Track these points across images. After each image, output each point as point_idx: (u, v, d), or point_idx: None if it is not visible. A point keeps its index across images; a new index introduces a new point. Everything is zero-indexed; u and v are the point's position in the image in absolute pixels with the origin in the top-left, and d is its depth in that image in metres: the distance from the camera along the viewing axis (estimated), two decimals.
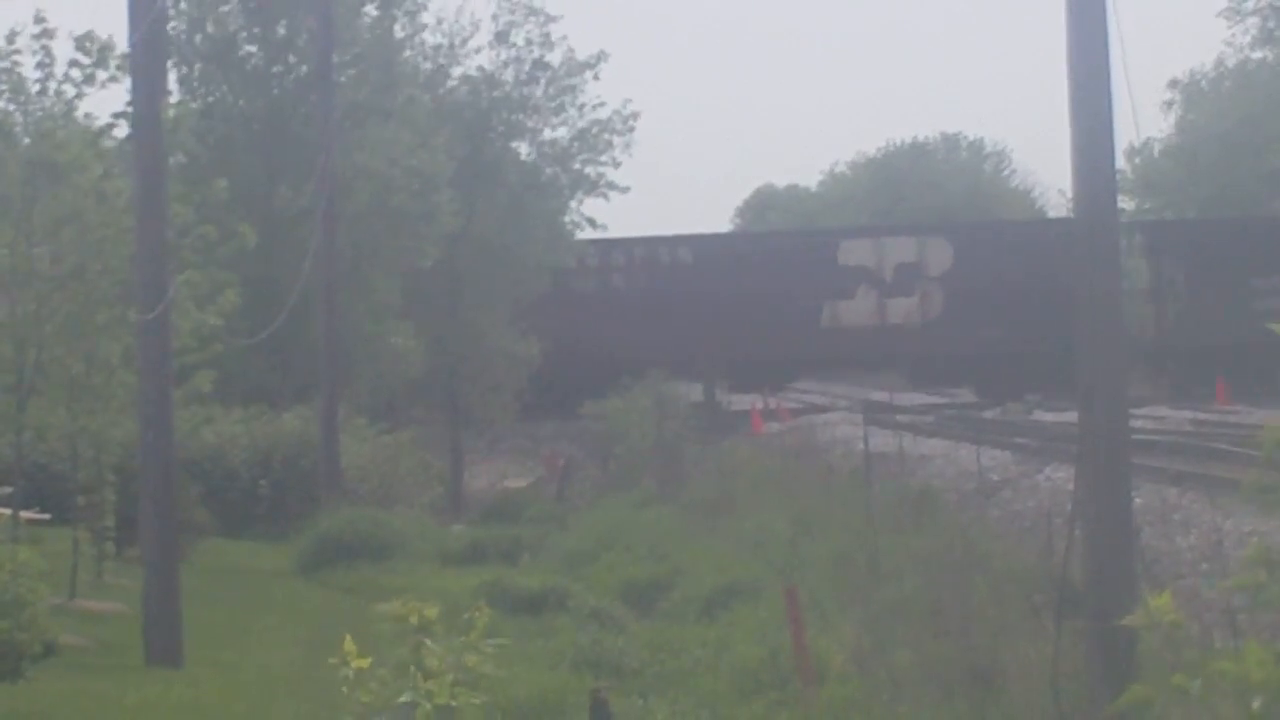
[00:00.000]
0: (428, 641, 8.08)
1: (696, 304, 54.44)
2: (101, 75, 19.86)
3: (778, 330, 54.35)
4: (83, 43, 19.80)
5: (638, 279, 56.06)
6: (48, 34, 20.06)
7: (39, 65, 20.08)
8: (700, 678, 16.45)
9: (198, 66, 40.80)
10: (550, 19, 51.31)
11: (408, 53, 46.23)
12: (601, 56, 52.03)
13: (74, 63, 19.87)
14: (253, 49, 41.33)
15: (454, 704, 8.03)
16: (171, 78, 37.85)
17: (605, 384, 51.92)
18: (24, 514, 19.82)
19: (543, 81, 51.48)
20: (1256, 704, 5.01)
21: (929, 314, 55.47)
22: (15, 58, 20.19)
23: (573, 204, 52.95)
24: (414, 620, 8.16)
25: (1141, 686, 5.22)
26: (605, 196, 53.09)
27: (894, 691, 13.60)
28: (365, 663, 8.06)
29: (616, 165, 52.56)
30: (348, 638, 8.15)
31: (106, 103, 22.23)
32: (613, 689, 14.79)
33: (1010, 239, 56.64)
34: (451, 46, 51.30)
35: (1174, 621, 5.35)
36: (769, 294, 54.63)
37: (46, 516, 22.96)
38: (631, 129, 52.22)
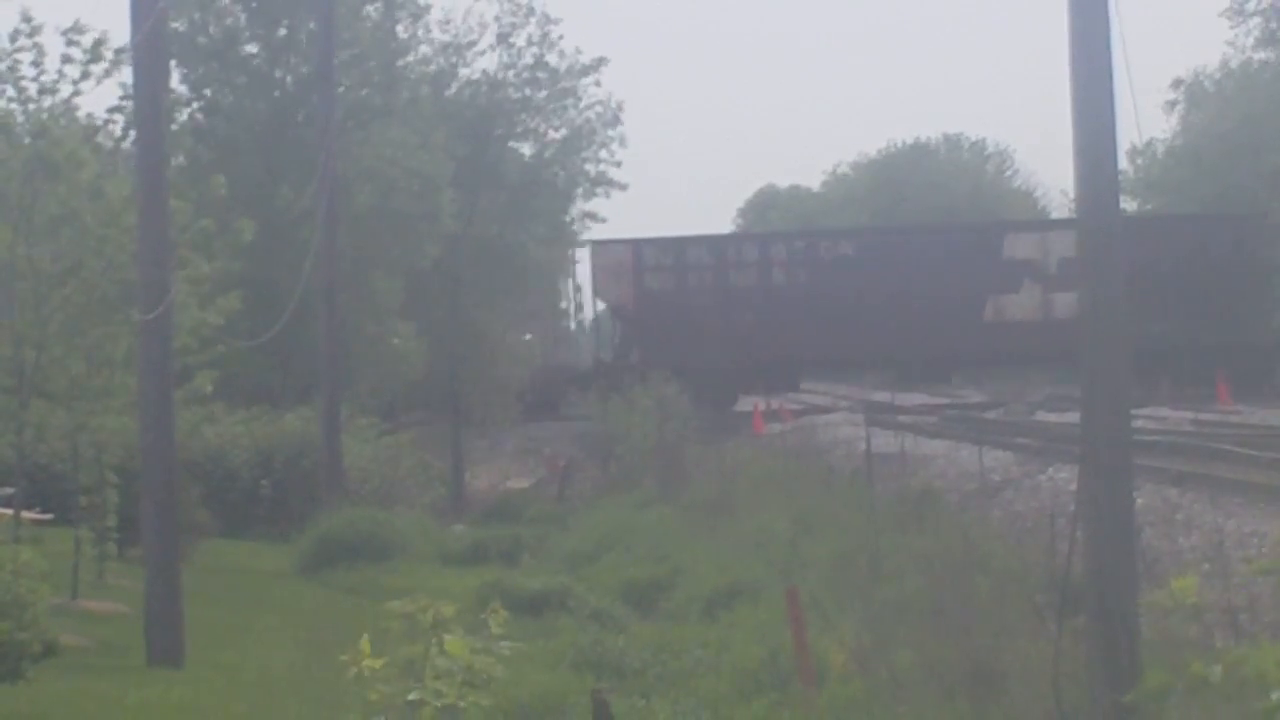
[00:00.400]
0: (448, 637, 8.05)
1: (857, 299, 53.47)
2: (97, 70, 19.80)
3: (940, 325, 53.37)
4: (71, 35, 19.73)
5: (798, 274, 55.56)
6: (35, 30, 20.02)
7: (33, 63, 20.05)
8: (701, 678, 16.45)
9: (200, 69, 40.80)
10: (550, 20, 51.46)
11: (411, 56, 46.30)
12: (601, 62, 52.18)
13: (66, 58, 19.82)
14: (254, 49, 41.34)
15: (461, 705, 8.02)
16: (174, 78, 37.87)
17: (768, 381, 51.61)
18: (26, 514, 19.82)
19: (544, 83, 51.58)
20: (1276, 696, 5.03)
21: None
22: (16, 57, 20.16)
23: (573, 201, 53.06)
24: (429, 619, 8.13)
25: (1159, 673, 5.21)
26: (606, 194, 53.21)
27: (895, 692, 13.59)
28: (377, 663, 8.04)
29: (617, 164, 52.69)
30: (365, 636, 8.14)
31: (105, 99, 22.17)
32: (614, 690, 14.79)
33: (1176, 232, 55.69)
34: (458, 48, 51.46)
35: (1197, 605, 5.35)
36: (932, 288, 53.35)
37: (48, 517, 22.97)
38: (618, 120, 52.30)
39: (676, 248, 55.01)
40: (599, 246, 55.36)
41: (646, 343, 53.55)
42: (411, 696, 7.94)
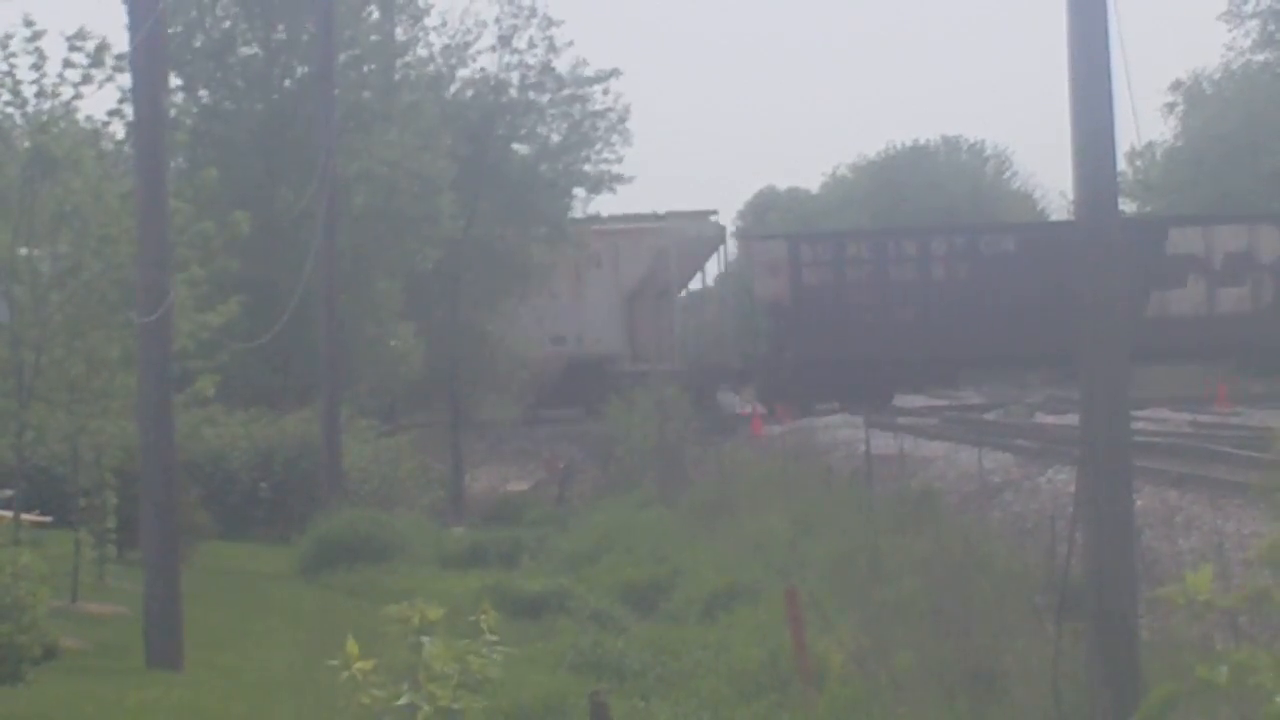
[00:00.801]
0: (425, 641, 8.05)
1: (1018, 295, 52.22)
2: (99, 75, 19.79)
3: None
4: (74, 41, 19.73)
5: (958, 269, 54.17)
6: (37, 35, 19.99)
7: (33, 67, 20.02)
8: (701, 679, 16.45)
9: (196, 70, 40.77)
10: (552, 23, 51.40)
11: (409, 57, 46.28)
12: (614, 73, 52.22)
13: (68, 63, 19.80)
14: (253, 51, 41.33)
15: (456, 707, 8.00)
16: (172, 80, 37.84)
17: (927, 377, 50.84)
18: (25, 517, 19.81)
19: (549, 89, 51.54)
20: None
21: (1260, 302, 53.81)
22: (12, 60, 20.11)
23: (575, 201, 53.02)
24: (415, 621, 8.13)
25: (1167, 686, 5.18)
26: (613, 190, 53.14)
27: (894, 693, 13.59)
28: (367, 665, 8.03)
29: (619, 160, 52.64)
30: (350, 639, 8.12)
31: (105, 103, 22.12)
32: (613, 691, 14.79)
33: None
34: (457, 49, 51.38)
35: (1208, 602, 5.31)
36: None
37: (48, 519, 22.96)
38: (623, 120, 52.26)
39: (835, 243, 54.33)
40: (755, 243, 54.80)
41: (803, 339, 52.93)
42: (400, 702, 7.92)
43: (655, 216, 59.27)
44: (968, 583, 16.42)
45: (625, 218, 57.57)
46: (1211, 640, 13.38)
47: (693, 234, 59.28)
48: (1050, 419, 38.62)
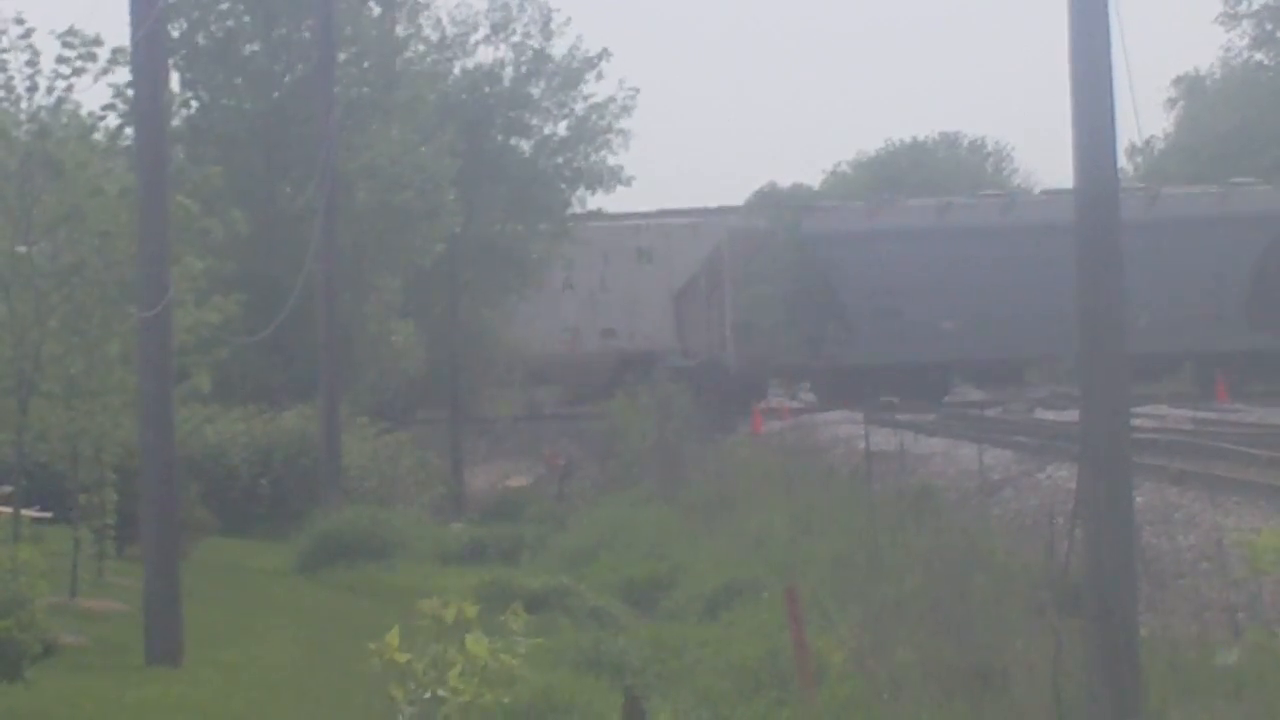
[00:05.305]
0: (468, 639, 8.08)
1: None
2: (91, 68, 19.74)
3: None
4: (66, 38, 19.68)
5: None
6: (28, 32, 19.95)
7: (28, 63, 19.98)
8: (701, 677, 16.46)
9: (196, 69, 40.78)
10: (550, 10, 51.48)
11: (409, 54, 46.28)
12: (604, 55, 52.11)
13: (61, 58, 19.76)
14: (254, 48, 41.35)
15: (480, 701, 8.04)
16: (174, 78, 37.86)
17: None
18: (25, 513, 19.80)
19: (544, 76, 51.50)
20: None
21: None
22: (4, 57, 20.05)
23: (575, 197, 52.96)
24: (450, 618, 8.16)
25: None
26: (611, 188, 53.12)
27: (894, 690, 13.60)
28: (403, 657, 8.06)
29: (615, 154, 52.61)
30: (395, 629, 8.15)
31: (98, 97, 22.05)
32: (614, 688, 14.79)
33: None
34: (451, 43, 51.38)
35: (1262, 569, 5.33)
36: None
37: (48, 515, 22.94)
38: (629, 110, 52.16)
39: None
40: None
41: None
42: (434, 693, 7.95)
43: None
44: (967, 580, 16.43)
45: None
46: (1211, 638, 13.38)
47: None
48: (1050, 415, 38.59)
